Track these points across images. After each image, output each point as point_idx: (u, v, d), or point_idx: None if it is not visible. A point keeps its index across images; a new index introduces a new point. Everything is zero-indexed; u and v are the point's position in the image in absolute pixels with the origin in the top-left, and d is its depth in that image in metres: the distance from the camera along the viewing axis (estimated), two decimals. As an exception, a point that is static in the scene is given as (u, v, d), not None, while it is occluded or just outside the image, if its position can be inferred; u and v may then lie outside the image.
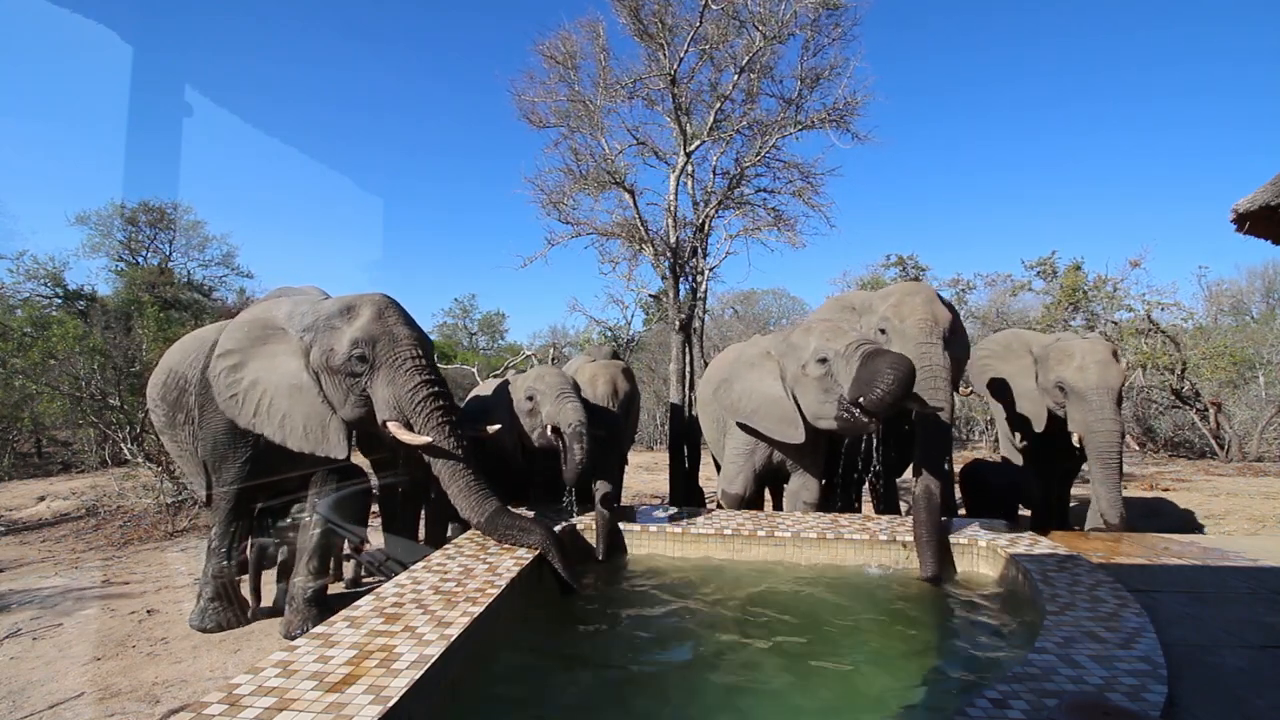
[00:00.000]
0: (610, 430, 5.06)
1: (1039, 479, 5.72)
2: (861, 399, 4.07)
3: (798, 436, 4.77)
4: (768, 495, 6.54)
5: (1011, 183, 58.13)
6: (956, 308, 5.39)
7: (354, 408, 3.89)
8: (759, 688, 2.91)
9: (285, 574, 4.49)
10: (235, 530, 4.30)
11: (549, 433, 4.64)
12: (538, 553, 3.91)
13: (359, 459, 5.14)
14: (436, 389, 3.85)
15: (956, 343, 4.96)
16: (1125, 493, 8.11)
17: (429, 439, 3.77)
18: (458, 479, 3.87)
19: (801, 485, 5.37)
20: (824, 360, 4.35)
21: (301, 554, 4.22)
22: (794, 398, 4.76)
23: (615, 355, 6.14)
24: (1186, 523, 6.89)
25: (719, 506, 5.65)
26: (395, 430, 3.78)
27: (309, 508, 4.34)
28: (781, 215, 8.29)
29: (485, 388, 6.39)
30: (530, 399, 4.75)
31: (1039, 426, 5.38)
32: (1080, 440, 5.07)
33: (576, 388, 4.90)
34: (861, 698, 2.82)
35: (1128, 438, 5.10)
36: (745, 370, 5.09)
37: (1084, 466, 5.58)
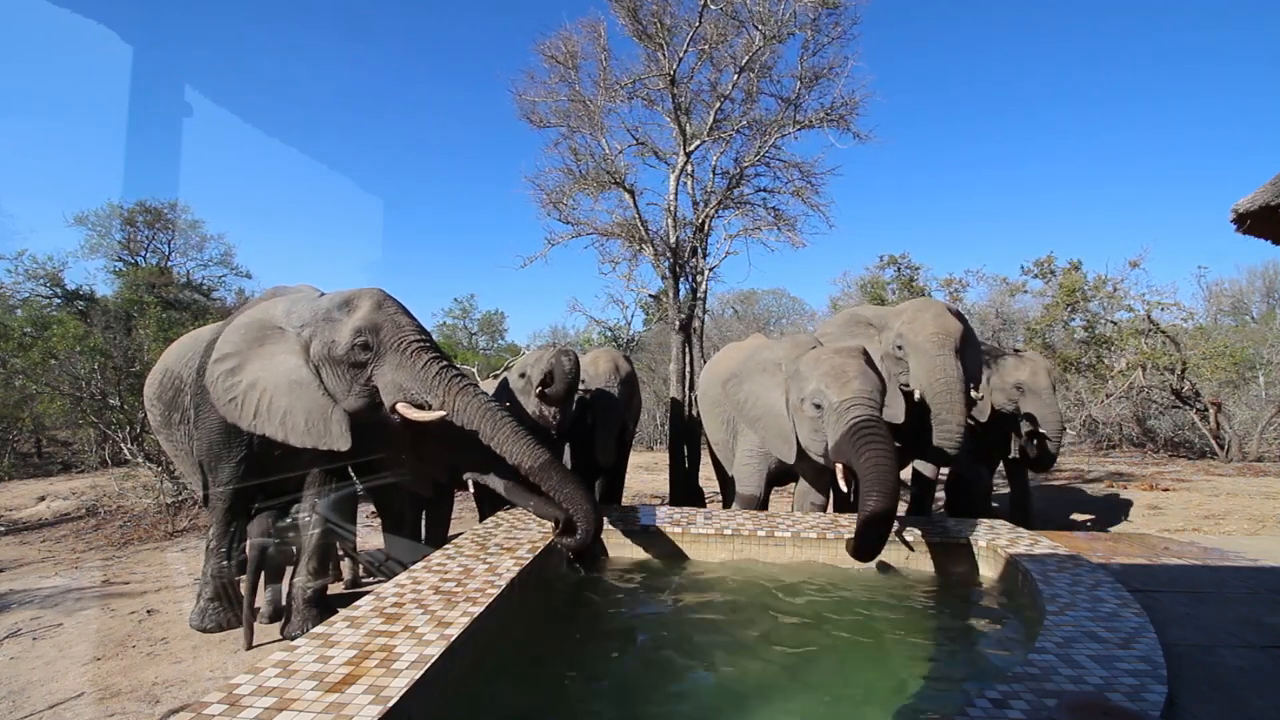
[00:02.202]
0: (607, 405, 5.32)
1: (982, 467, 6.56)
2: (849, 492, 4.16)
3: (789, 456, 4.80)
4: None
5: (1011, 182, 58.15)
6: (965, 316, 5.85)
7: (357, 398, 3.88)
8: (758, 688, 2.91)
9: (276, 576, 4.48)
10: (234, 530, 4.30)
11: (539, 397, 4.78)
12: (539, 552, 3.91)
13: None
14: (447, 363, 3.86)
15: (969, 352, 5.26)
16: (1125, 493, 8.19)
17: (443, 412, 3.74)
18: (502, 426, 3.78)
19: (810, 487, 5.39)
20: (819, 406, 4.28)
21: (301, 555, 4.22)
22: (792, 419, 4.79)
23: None
24: (1186, 523, 6.89)
25: (723, 506, 5.66)
26: (405, 410, 3.75)
27: (305, 508, 4.34)
28: (781, 215, 8.30)
29: (483, 388, 6.42)
30: (523, 375, 4.90)
31: (983, 418, 6.28)
32: (1036, 422, 6.19)
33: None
34: (862, 697, 2.82)
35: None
36: (757, 373, 5.09)
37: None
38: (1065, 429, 6.65)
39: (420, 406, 3.78)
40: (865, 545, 3.80)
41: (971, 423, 6.33)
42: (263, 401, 3.90)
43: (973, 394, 5.32)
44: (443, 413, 3.73)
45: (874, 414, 4.00)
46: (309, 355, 3.91)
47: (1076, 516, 7.47)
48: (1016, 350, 6.98)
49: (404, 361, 3.77)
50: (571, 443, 6.49)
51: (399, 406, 3.78)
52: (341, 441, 3.88)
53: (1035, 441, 6.19)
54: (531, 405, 4.98)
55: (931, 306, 5.22)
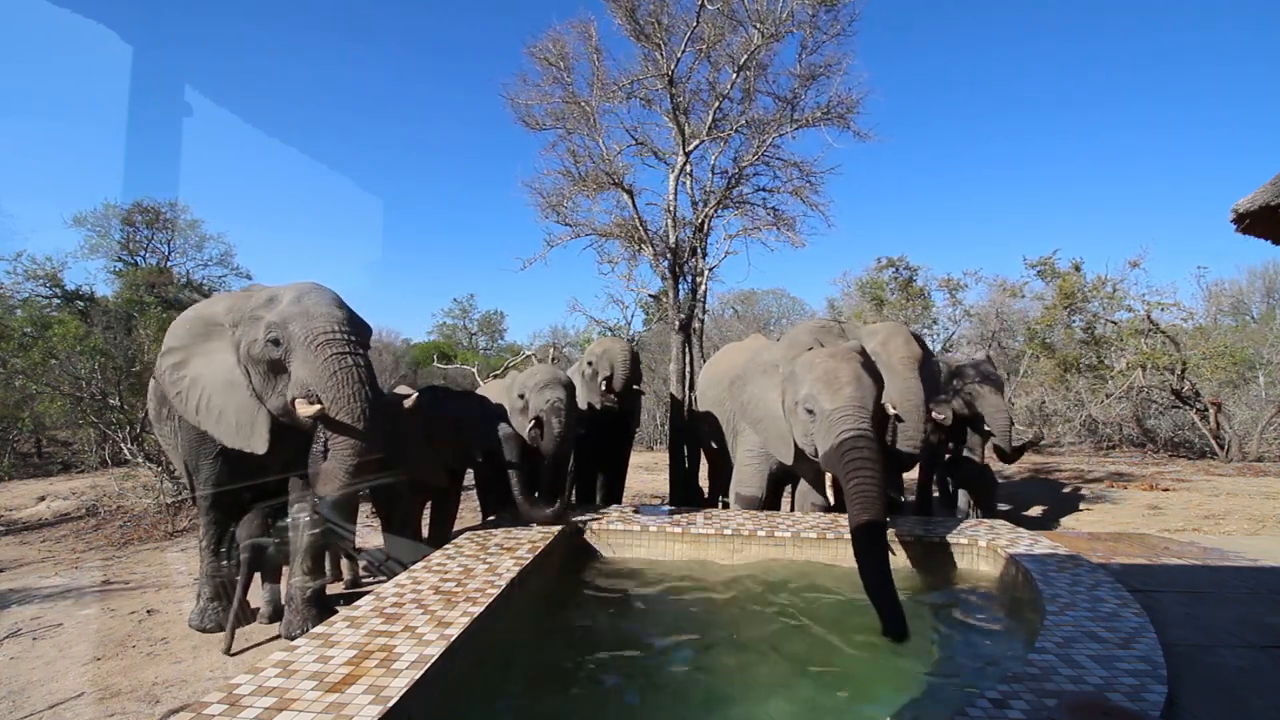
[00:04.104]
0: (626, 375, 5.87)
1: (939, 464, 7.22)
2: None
3: (788, 457, 4.78)
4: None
5: (1011, 183, 58.07)
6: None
7: (278, 396, 3.81)
8: (759, 688, 2.91)
9: (275, 576, 4.48)
10: (224, 529, 4.29)
11: (532, 429, 4.78)
12: (538, 553, 3.91)
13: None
14: (350, 361, 3.66)
15: (926, 370, 5.88)
16: (1125, 493, 8.20)
17: (319, 408, 3.59)
18: (341, 451, 3.66)
19: (810, 488, 5.39)
20: (811, 411, 4.21)
21: (294, 555, 4.20)
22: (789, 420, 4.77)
23: None
24: (1186, 523, 6.90)
25: (724, 506, 5.67)
26: (300, 406, 3.65)
27: (304, 508, 4.33)
28: (781, 214, 8.29)
29: (489, 389, 6.43)
30: (521, 397, 4.86)
31: (948, 423, 6.73)
32: (988, 421, 6.69)
33: (569, 389, 5.08)
34: (862, 698, 2.82)
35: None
36: (758, 375, 5.09)
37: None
38: (1013, 423, 7.16)
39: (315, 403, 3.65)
40: (867, 560, 3.61)
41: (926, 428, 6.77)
42: (202, 399, 3.92)
43: (935, 415, 6.10)
44: (318, 408, 3.60)
45: (862, 429, 3.86)
46: (239, 355, 3.90)
47: (1077, 516, 7.48)
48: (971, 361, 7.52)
49: (309, 356, 3.65)
50: (575, 447, 6.50)
51: (297, 401, 3.66)
52: (260, 445, 3.85)
53: (989, 440, 6.65)
54: (522, 421, 4.94)
55: (902, 332, 5.79)
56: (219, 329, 4.03)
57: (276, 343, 3.70)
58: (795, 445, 4.66)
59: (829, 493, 4.31)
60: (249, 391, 3.87)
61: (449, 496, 5.41)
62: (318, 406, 3.61)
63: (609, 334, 17.57)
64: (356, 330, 3.83)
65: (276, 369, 3.77)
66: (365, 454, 3.73)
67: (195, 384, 3.94)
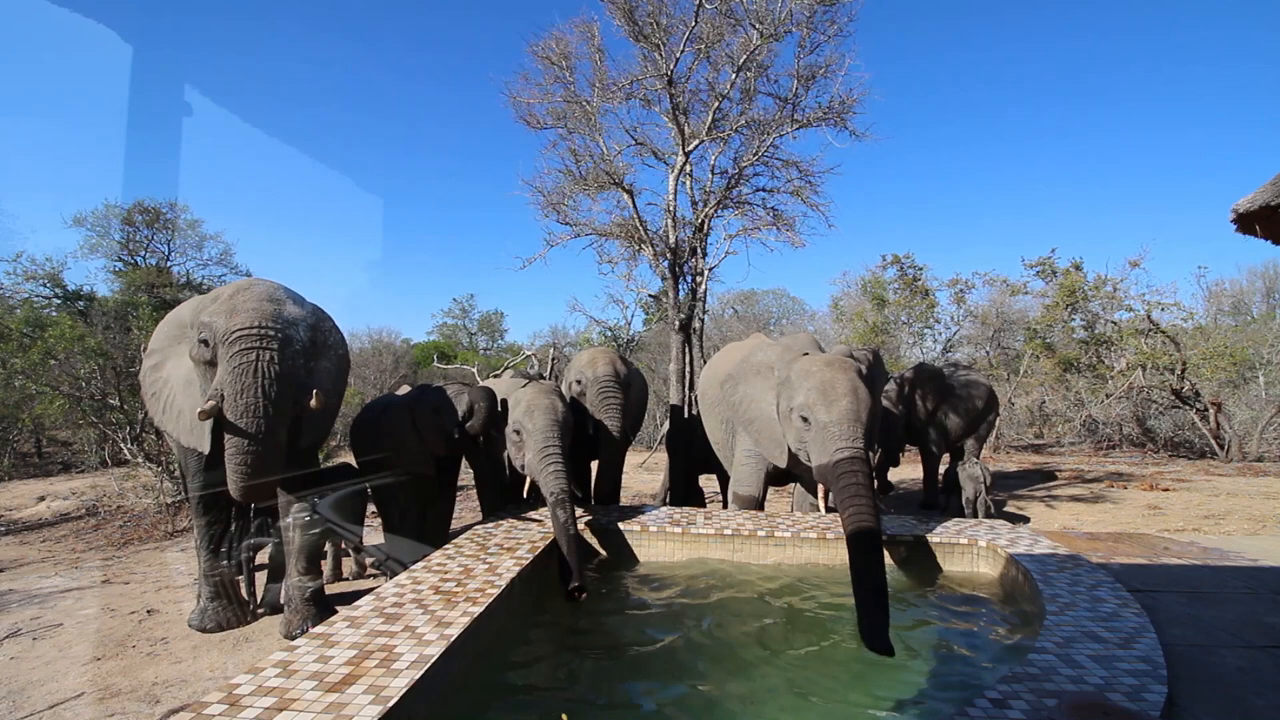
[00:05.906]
0: (609, 411, 5.59)
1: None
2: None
3: (781, 460, 4.75)
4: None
5: (1012, 183, 58.10)
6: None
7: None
8: (759, 688, 2.91)
9: (278, 575, 4.48)
10: (216, 528, 4.29)
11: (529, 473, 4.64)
12: (539, 552, 3.91)
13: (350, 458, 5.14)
14: (253, 357, 3.46)
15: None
16: (1125, 493, 8.21)
17: (213, 403, 3.43)
18: (236, 455, 3.48)
19: (807, 491, 5.38)
20: (805, 420, 4.11)
21: (290, 555, 4.20)
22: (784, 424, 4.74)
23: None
24: (1186, 523, 6.89)
25: (724, 506, 5.66)
26: (204, 405, 3.53)
27: (296, 508, 4.33)
28: (780, 214, 8.30)
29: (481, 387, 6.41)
30: (518, 433, 4.62)
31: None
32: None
33: (565, 426, 4.59)
34: (862, 698, 2.82)
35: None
36: (752, 375, 5.07)
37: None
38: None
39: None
40: (863, 577, 3.45)
41: None
42: (169, 399, 3.98)
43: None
44: (213, 403, 3.45)
45: (857, 449, 3.77)
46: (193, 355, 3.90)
47: (1077, 516, 7.47)
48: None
49: (224, 356, 3.54)
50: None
51: (208, 404, 3.52)
52: (202, 443, 3.80)
53: None
54: (516, 456, 4.73)
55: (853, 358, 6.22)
56: (186, 330, 4.06)
57: (206, 343, 3.64)
58: (789, 448, 4.65)
59: (821, 503, 4.32)
60: (200, 391, 3.84)
61: (445, 495, 5.41)
62: (211, 402, 3.45)
63: (609, 334, 17.55)
64: (283, 327, 3.60)
65: (212, 369, 3.66)
66: (256, 457, 3.47)
67: (165, 385, 4.03)
